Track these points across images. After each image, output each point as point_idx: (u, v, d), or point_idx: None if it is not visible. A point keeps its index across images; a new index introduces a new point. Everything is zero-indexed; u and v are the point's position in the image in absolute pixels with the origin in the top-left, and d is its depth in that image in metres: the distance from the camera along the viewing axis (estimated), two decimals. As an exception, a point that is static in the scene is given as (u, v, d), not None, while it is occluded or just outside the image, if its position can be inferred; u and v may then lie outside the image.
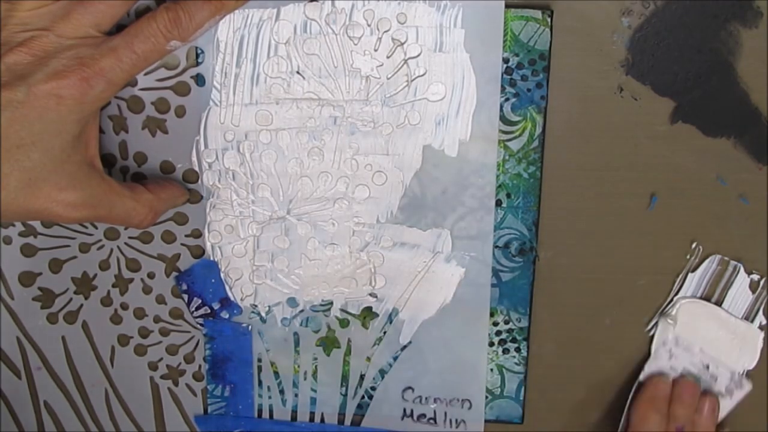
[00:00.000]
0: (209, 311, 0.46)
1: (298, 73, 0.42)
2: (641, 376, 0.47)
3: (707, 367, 0.47)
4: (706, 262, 0.46)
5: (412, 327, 0.46)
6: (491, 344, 0.47)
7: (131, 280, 0.46)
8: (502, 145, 0.43)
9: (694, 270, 0.46)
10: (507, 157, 0.44)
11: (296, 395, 0.48)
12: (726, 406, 0.48)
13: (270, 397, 0.48)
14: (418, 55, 0.42)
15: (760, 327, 0.47)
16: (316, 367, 0.47)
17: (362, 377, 0.47)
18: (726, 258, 0.46)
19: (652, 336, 0.47)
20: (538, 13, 0.41)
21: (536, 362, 0.48)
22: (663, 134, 0.44)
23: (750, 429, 0.49)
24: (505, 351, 0.47)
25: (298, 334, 0.47)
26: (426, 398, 0.48)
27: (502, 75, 0.42)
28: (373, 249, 0.45)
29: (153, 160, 0.44)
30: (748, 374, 0.48)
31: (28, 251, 0.46)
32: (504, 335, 0.47)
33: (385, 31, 0.41)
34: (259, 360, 0.47)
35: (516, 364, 0.47)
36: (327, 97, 0.42)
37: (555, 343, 0.48)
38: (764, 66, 0.43)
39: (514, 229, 0.45)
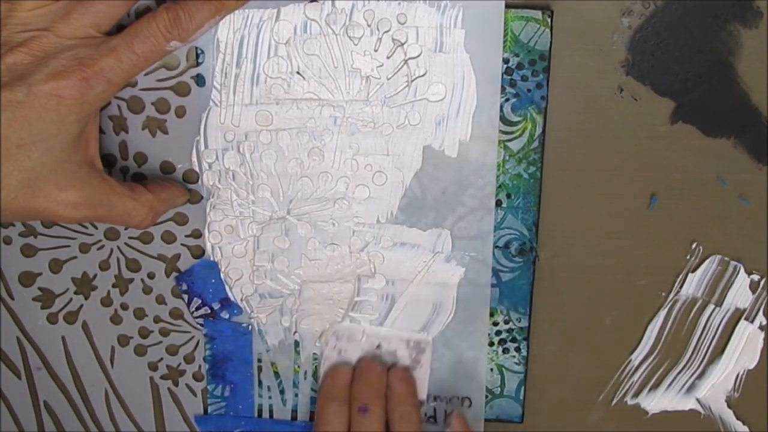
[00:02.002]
0: (209, 311, 0.46)
1: (298, 73, 0.42)
2: (319, 382, 0.46)
3: (379, 346, 0.46)
4: (706, 262, 0.46)
5: (411, 327, 0.46)
6: (491, 344, 0.47)
7: (131, 281, 0.46)
8: (502, 146, 0.43)
9: (694, 270, 0.46)
10: (507, 158, 0.44)
11: (296, 395, 0.48)
12: (421, 374, 0.46)
13: (270, 397, 0.48)
14: (419, 56, 0.42)
15: (760, 327, 0.47)
16: (316, 367, 0.47)
17: (362, 377, 0.47)
18: (726, 258, 0.46)
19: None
20: (538, 14, 0.41)
21: (536, 362, 0.48)
22: (663, 134, 0.44)
23: (750, 429, 0.49)
24: (505, 351, 0.47)
25: (298, 334, 0.47)
26: (426, 397, 0.48)
27: (502, 75, 0.42)
28: (373, 249, 0.45)
29: (153, 160, 0.44)
30: (748, 373, 0.48)
31: (28, 251, 0.46)
32: (504, 335, 0.47)
33: (386, 32, 0.41)
34: (259, 360, 0.47)
35: (516, 363, 0.47)
36: (327, 97, 0.42)
37: (555, 343, 0.48)
38: (764, 66, 0.43)
39: (514, 230, 0.45)
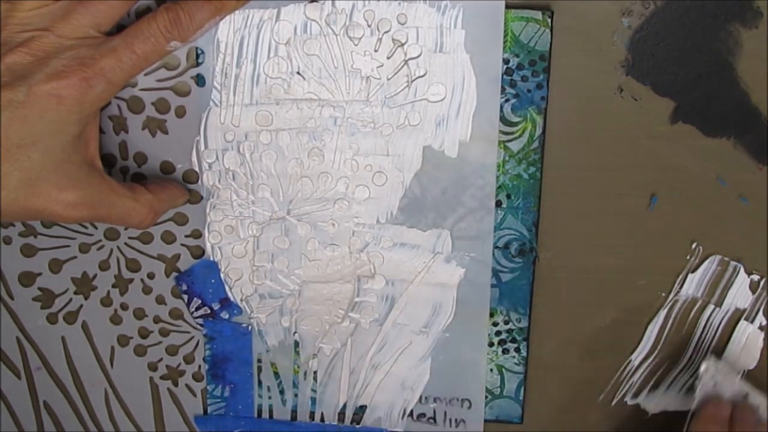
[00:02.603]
0: (209, 311, 0.46)
1: (298, 73, 0.42)
2: (694, 405, 0.47)
3: (746, 396, 0.47)
4: (706, 262, 0.46)
5: (411, 327, 0.46)
6: (491, 344, 0.47)
7: (131, 281, 0.46)
8: (502, 146, 0.43)
9: (694, 270, 0.46)
10: (507, 158, 0.44)
11: (296, 395, 0.48)
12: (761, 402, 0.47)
13: (270, 397, 0.48)
14: (419, 56, 0.42)
15: (760, 327, 0.47)
16: (315, 372, 0.47)
17: (362, 377, 0.47)
18: (726, 258, 0.46)
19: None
20: (538, 14, 0.41)
21: (536, 362, 0.48)
22: (663, 134, 0.44)
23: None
24: (505, 351, 0.47)
25: (298, 334, 0.47)
26: (426, 398, 0.48)
27: (502, 76, 0.42)
28: (373, 249, 0.45)
29: (153, 160, 0.44)
30: (748, 373, 0.48)
31: (28, 251, 0.46)
32: (504, 335, 0.47)
33: (386, 32, 0.41)
34: (259, 360, 0.47)
35: (516, 364, 0.47)
36: (327, 97, 0.42)
37: (555, 343, 0.48)
38: (764, 66, 0.43)
39: (514, 230, 0.45)
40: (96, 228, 0.46)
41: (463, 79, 0.42)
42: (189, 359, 0.48)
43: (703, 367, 0.47)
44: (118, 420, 0.49)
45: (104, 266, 0.46)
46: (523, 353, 0.47)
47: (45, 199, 0.37)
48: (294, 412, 0.49)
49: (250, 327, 0.47)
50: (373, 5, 0.41)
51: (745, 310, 0.47)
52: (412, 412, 0.48)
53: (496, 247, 0.45)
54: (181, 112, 0.43)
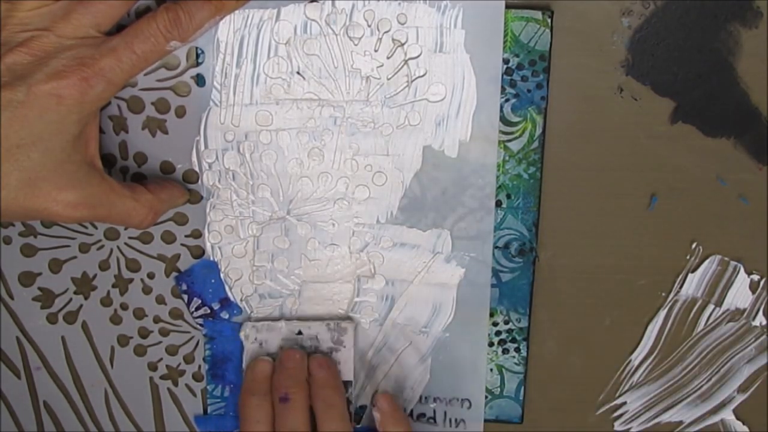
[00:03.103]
0: (209, 311, 0.46)
1: (298, 73, 0.42)
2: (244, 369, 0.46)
3: (300, 332, 0.46)
4: (706, 262, 0.46)
5: (411, 327, 0.46)
6: (491, 344, 0.47)
7: (131, 281, 0.46)
8: (502, 146, 0.43)
9: (694, 270, 0.46)
10: (507, 158, 0.44)
11: (296, 395, 0.48)
12: (345, 355, 0.46)
13: (270, 397, 0.48)
14: (419, 56, 0.42)
15: (761, 327, 0.47)
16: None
17: (362, 377, 0.47)
18: (726, 258, 0.46)
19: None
20: (538, 14, 0.41)
21: (536, 362, 0.48)
22: (663, 134, 0.44)
23: (750, 429, 0.49)
24: (505, 351, 0.47)
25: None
26: (425, 398, 0.48)
27: (502, 76, 0.42)
28: (373, 249, 0.45)
29: (153, 160, 0.44)
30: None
31: (28, 251, 0.46)
32: (504, 335, 0.47)
33: (386, 32, 0.41)
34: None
35: (516, 364, 0.47)
36: (327, 97, 0.42)
37: (555, 343, 0.48)
38: (764, 66, 0.43)
39: (514, 230, 0.45)
40: (96, 228, 0.46)
41: (463, 79, 0.42)
42: (189, 359, 0.48)
43: (241, 334, 0.46)
44: (118, 420, 0.49)
45: (104, 266, 0.46)
46: (523, 353, 0.47)
47: (45, 199, 0.37)
48: (294, 412, 0.49)
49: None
50: (373, 5, 0.41)
51: (745, 310, 0.47)
52: (412, 412, 0.48)
53: (496, 247, 0.45)
54: (181, 112, 0.43)
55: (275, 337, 0.46)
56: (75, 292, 0.47)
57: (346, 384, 0.46)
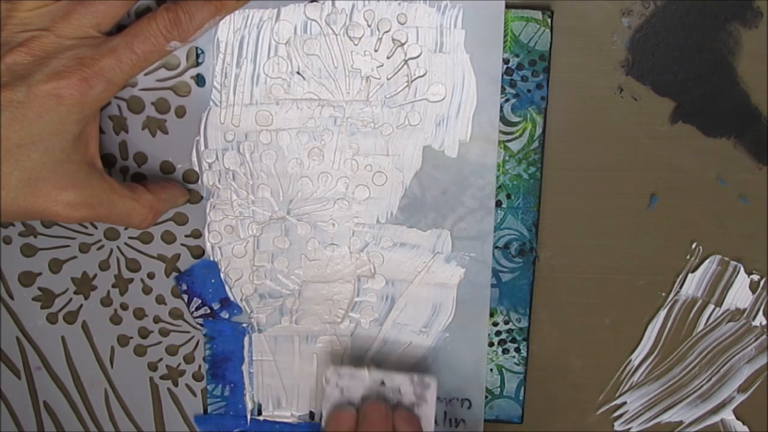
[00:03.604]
0: (209, 311, 0.46)
1: (298, 73, 0.42)
2: (323, 424, 0.45)
3: (383, 383, 0.45)
4: (706, 262, 0.46)
5: (411, 327, 0.46)
6: (491, 344, 0.47)
7: (131, 280, 0.46)
8: (502, 146, 0.43)
9: (694, 270, 0.46)
10: (507, 158, 0.44)
11: (296, 395, 0.48)
12: (427, 411, 0.45)
13: (270, 397, 0.48)
14: (419, 56, 0.42)
15: (761, 327, 0.47)
16: (316, 366, 0.47)
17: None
18: (726, 258, 0.46)
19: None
20: (538, 14, 0.41)
21: (536, 362, 0.48)
22: (663, 134, 0.44)
23: (750, 429, 0.49)
24: (505, 351, 0.47)
25: (298, 334, 0.47)
26: None
27: (502, 76, 0.42)
28: (373, 249, 0.45)
29: (153, 160, 0.44)
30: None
31: (28, 251, 0.46)
32: (504, 335, 0.47)
33: (386, 32, 0.41)
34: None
35: (516, 364, 0.47)
36: (327, 97, 0.42)
37: (555, 343, 0.48)
38: (764, 66, 0.43)
39: (514, 230, 0.45)
40: (96, 228, 0.46)
41: (463, 79, 0.42)
42: (189, 359, 0.48)
43: (323, 379, 0.45)
44: (118, 420, 0.49)
45: (104, 266, 0.46)
46: (523, 353, 0.47)
47: (45, 199, 0.37)
48: (294, 412, 0.49)
49: (250, 326, 0.47)
50: (373, 5, 0.41)
51: (745, 310, 0.47)
52: (412, 412, 0.48)
53: (496, 247, 0.45)
54: (181, 112, 0.43)
55: (358, 385, 0.45)
56: (75, 292, 0.47)
57: None
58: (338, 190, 0.44)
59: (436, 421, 0.48)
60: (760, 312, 0.47)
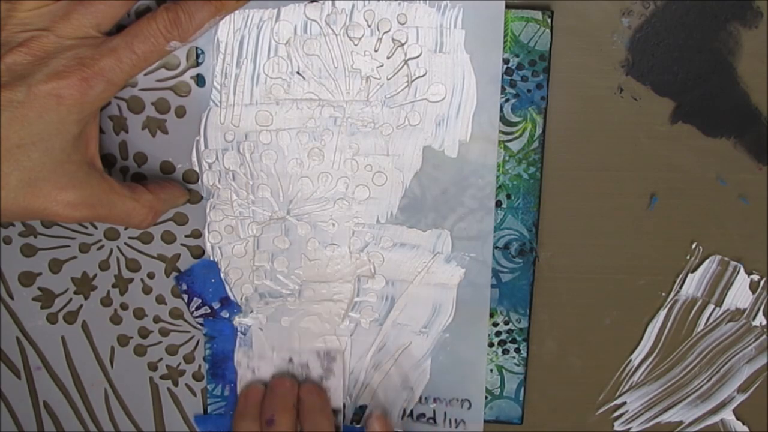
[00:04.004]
0: (209, 311, 0.46)
1: (298, 73, 0.42)
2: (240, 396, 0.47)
3: (291, 360, 0.47)
4: (706, 262, 0.46)
5: (411, 327, 0.46)
6: (491, 345, 0.47)
7: (131, 280, 0.46)
8: (502, 146, 0.43)
9: (694, 270, 0.46)
10: (507, 158, 0.44)
11: (296, 395, 0.48)
12: (334, 383, 0.47)
13: (270, 397, 0.48)
14: (419, 56, 0.42)
15: (761, 327, 0.47)
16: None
17: (362, 377, 0.47)
18: (726, 258, 0.46)
19: None
20: (538, 14, 0.41)
21: (536, 362, 0.48)
22: (663, 134, 0.44)
23: (750, 429, 0.49)
24: (505, 351, 0.47)
25: (298, 334, 0.47)
26: (425, 398, 0.48)
27: (502, 76, 0.42)
28: (373, 249, 0.45)
29: (153, 160, 0.44)
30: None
31: (28, 251, 0.46)
32: (504, 336, 0.47)
33: (386, 32, 0.41)
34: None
35: (516, 364, 0.47)
36: (327, 97, 0.42)
37: (555, 343, 0.48)
38: (764, 66, 0.43)
39: (514, 230, 0.45)
40: (96, 228, 0.46)
41: (463, 79, 0.42)
42: (189, 359, 0.48)
43: (235, 360, 0.47)
44: (118, 420, 0.49)
45: (104, 266, 0.46)
46: (523, 353, 0.47)
47: (45, 199, 0.37)
48: (294, 412, 0.49)
49: (250, 326, 0.47)
50: (373, 5, 0.41)
51: (745, 310, 0.47)
52: (412, 412, 0.48)
53: (496, 247, 0.45)
54: (181, 112, 0.43)
55: (267, 364, 0.47)
56: (75, 292, 0.47)
57: (335, 411, 0.47)
58: (338, 190, 0.44)
59: (435, 421, 0.48)
60: (760, 312, 0.47)
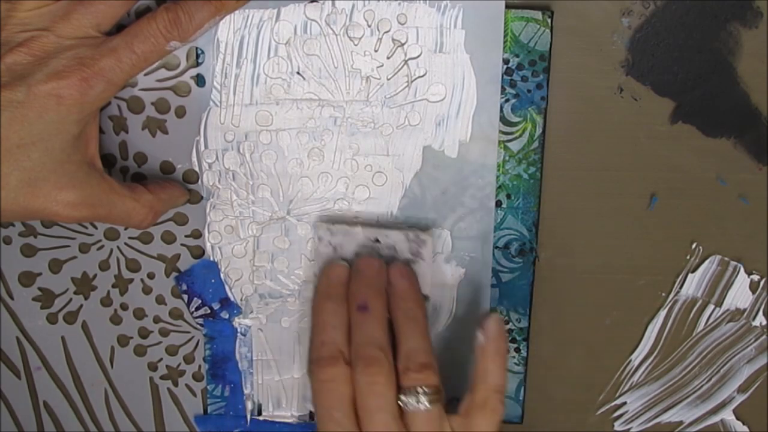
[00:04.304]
0: (209, 311, 0.46)
1: (298, 73, 0.42)
2: (317, 269, 0.43)
3: (377, 240, 0.43)
4: (706, 262, 0.46)
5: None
6: (491, 344, 0.47)
7: (131, 281, 0.46)
8: (502, 146, 0.43)
9: (694, 270, 0.46)
10: (507, 158, 0.44)
11: (296, 395, 0.48)
12: (423, 268, 0.43)
13: (270, 397, 0.48)
14: (419, 56, 0.42)
15: (761, 327, 0.47)
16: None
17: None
18: (726, 258, 0.46)
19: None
20: (538, 14, 0.41)
21: (536, 362, 0.48)
22: (663, 134, 0.44)
23: (750, 429, 0.49)
24: (505, 351, 0.47)
25: (298, 334, 0.47)
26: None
27: (502, 76, 0.42)
28: (373, 249, 0.45)
29: (153, 160, 0.44)
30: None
31: (28, 251, 0.46)
32: (504, 335, 0.47)
33: (386, 32, 0.41)
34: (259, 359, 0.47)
35: (516, 364, 0.47)
36: (327, 97, 0.42)
37: (555, 343, 0.48)
38: (764, 66, 0.43)
39: (514, 230, 0.45)
40: (96, 228, 0.46)
41: (463, 79, 0.42)
42: (189, 359, 0.48)
43: (315, 236, 0.44)
44: (118, 420, 0.49)
45: (104, 266, 0.46)
46: (523, 353, 0.47)
47: (45, 199, 0.37)
48: (294, 412, 0.49)
49: (250, 326, 0.47)
50: (373, 5, 0.41)
51: (745, 310, 0.47)
52: (412, 412, 0.48)
53: (496, 247, 0.45)
54: (181, 112, 0.43)
55: (351, 242, 0.43)
56: (75, 292, 0.47)
57: (425, 298, 0.43)
58: (338, 190, 0.44)
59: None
60: (760, 312, 0.47)
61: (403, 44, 0.42)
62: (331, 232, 0.43)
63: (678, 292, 0.47)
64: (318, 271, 0.44)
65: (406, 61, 0.42)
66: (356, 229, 0.43)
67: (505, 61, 0.42)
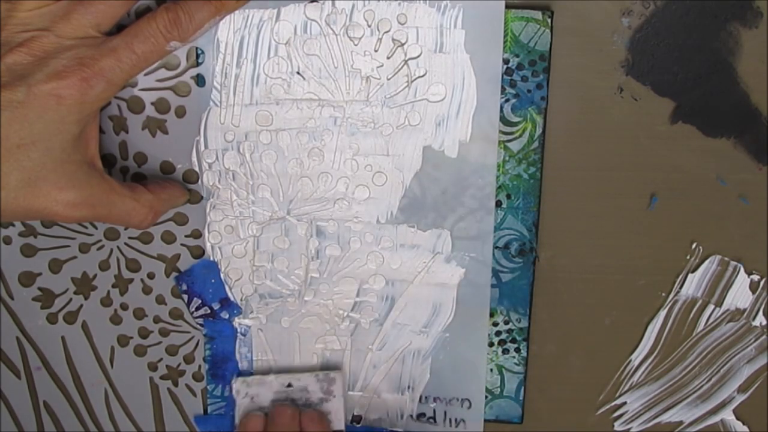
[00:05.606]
0: (209, 311, 0.46)
1: (298, 73, 0.42)
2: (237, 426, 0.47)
3: (290, 385, 0.46)
4: (706, 262, 0.46)
5: (411, 327, 0.46)
6: (491, 344, 0.47)
7: (131, 281, 0.46)
8: (502, 146, 0.43)
9: (694, 270, 0.46)
10: (507, 158, 0.44)
11: (296, 395, 0.48)
12: (336, 405, 0.47)
13: (270, 397, 0.48)
14: (419, 56, 0.42)
15: (761, 327, 0.47)
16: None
17: (362, 377, 0.47)
18: (726, 258, 0.46)
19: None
20: (538, 14, 0.41)
21: (536, 362, 0.48)
22: (663, 134, 0.44)
23: (750, 429, 0.49)
24: (505, 351, 0.47)
25: (298, 334, 0.47)
26: (425, 398, 0.48)
27: (502, 76, 0.42)
28: (373, 249, 0.45)
29: (153, 160, 0.44)
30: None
31: (28, 251, 0.46)
32: (504, 335, 0.47)
33: (386, 32, 0.41)
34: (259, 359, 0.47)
35: (516, 364, 0.47)
36: (327, 97, 0.42)
37: (555, 343, 0.48)
38: (764, 66, 0.43)
39: (514, 230, 0.45)
40: (96, 228, 0.46)
41: (463, 79, 0.42)
42: (189, 359, 0.48)
43: (233, 391, 0.47)
44: (118, 420, 0.49)
45: (104, 266, 0.46)
46: (523, 353, 0.47)
47: (45, 199, 0.37)
48: (294, 412, 0.49)
49: (250, 326, 0.47)
50: (373, 5, 0.41)
51: (745, 310, 0.47)
52: (412, 411, 0.48)
53: (496, 247, 0.45)
54: (181, 112, 0.43)
55: (266, 390, 0.47)
56: (75, 292, 0.47)
57: None
58: (338, 190, 0.44)
59: (435, 421, 0.48)
60: (760, 312, 0.47)
61: (403, 44, 0.42)
62: (247, 383, 0.46)
63: (678, 292, 0.47)
64: (237, 423, 0.47)
65: (406, 61, 0.42)
66: (269, 377, 0.47)
67: (505, 61, 0.42)
